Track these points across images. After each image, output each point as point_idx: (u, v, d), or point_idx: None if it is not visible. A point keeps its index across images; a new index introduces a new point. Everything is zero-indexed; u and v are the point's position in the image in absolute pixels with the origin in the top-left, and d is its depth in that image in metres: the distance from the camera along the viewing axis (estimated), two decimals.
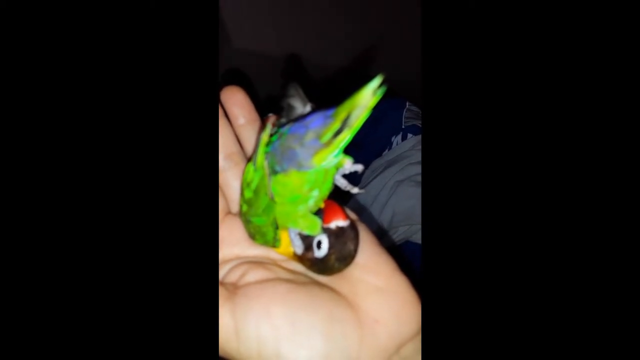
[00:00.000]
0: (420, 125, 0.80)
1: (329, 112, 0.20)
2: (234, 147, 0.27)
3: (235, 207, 0.27)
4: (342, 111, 0.19)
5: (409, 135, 0.79)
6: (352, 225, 0.22)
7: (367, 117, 0.18)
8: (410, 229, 0.71)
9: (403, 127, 0.79)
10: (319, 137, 0.20)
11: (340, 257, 0.22)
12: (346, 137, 0.19)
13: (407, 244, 0.72)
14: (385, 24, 0.94)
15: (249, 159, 0.26)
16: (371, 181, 0.78)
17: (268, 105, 0.28)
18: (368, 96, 0.18)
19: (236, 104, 0.26)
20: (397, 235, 0.71)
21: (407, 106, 0.81)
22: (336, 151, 0.20)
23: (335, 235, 0.22)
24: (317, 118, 0.20)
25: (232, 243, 0.25)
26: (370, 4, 0.91)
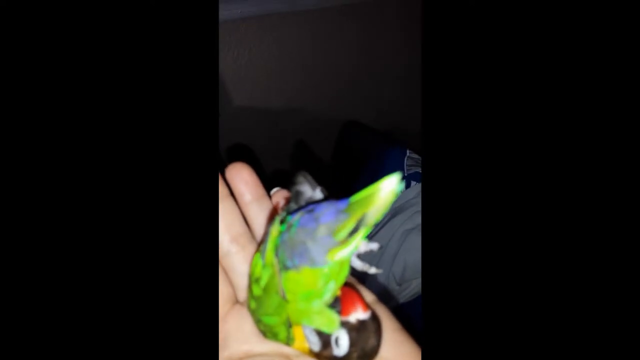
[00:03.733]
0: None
1: (341, 206, 0.18)
2: (241, 228, 0.25)
3: (242, 295, 0.24)
4: (357, 209, 0.18)
5: (412, 182, 0.78)
6: (374, 316, 0.20)
7: (385, 213, 0.17)
8: None
9: (405, 175, 0.78)
10: (332, 233, 0.18)
11: (362, 355, 0.19)
12: (362, 234, 0.18)
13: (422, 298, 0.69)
14: (383, 74, 0.97)
15: (257, 248, 0.24)
16: (378, 232, 0.76)
17: (274, 180, 0.27)
18: (385, 196, 0.17)
19: (242, 181, 0.25)
20: (411, 290, 0.68)
21: (408, 154, 0.80)
22: (352, 248, 0.18)
23: (357, 330, 0.19)
24: (328, 211, 0.19)
25: (241, 339, 0.23)
26: (366, 53, 0.94)
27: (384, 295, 0.73)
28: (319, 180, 0.22)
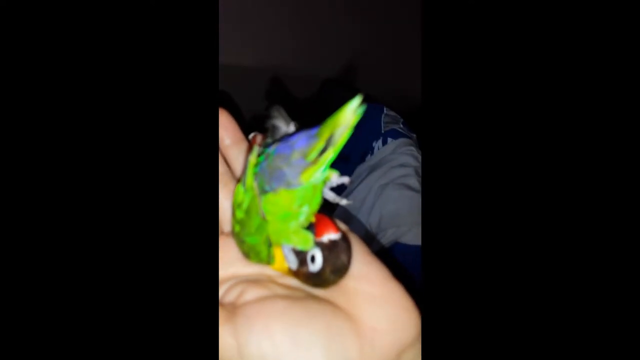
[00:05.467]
0: (399, 130, 0.81)
1: (313, 132, 0.21)
2: (222, 168, 0.27)
3: (227, 227, 0.27)
4: (325, 131, 0.20)
5: (389, 139, 0.81)
6: (344, 237, 0.23)
7: (349, 134, 0.19)
8: (398, 230, 0.72)
9: (383, 132, 0.81)
10: (304, 156, 0.20)
11: (334, 270, 0.22)
12: (331, 154, 0.20)
13: (397, 245, 0.73)
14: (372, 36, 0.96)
15: (238, 180, 0.27)
16: (357, 186, 0.80)
17: (252, 122, 0.29)
18: (349, 116, 0.19)
19: (221, 125, 0.27)
20: (387, 237, 0.72)
21: (385, 111, 0.82)
22: (322, 168, 0.20)
23: (329, 249, 0.22)
24: (302, 138, 0.21)
25: (228, 263, 0.26)
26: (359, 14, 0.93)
27: (365, 240, 0.78)
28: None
